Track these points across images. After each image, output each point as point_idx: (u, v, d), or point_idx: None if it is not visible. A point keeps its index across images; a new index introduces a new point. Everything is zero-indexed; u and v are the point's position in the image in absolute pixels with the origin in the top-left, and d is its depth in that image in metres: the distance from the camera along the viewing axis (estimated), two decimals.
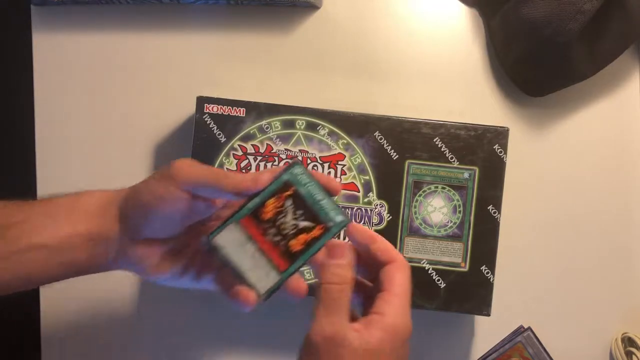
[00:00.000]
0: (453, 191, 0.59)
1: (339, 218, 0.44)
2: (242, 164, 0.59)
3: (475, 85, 0.65)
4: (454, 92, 0.65)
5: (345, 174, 0.59)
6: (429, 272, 0.59)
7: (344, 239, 0.56)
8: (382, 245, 0.44)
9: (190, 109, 0.61)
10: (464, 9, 0.65)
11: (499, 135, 0.59)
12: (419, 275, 0.59)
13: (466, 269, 0.59)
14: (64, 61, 0.65)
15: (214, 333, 0.65)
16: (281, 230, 0.44)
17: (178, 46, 0.65)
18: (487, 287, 0.59)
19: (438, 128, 0.59)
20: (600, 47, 0.60)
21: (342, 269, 0.42)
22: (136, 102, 0.65)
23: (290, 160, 0.59)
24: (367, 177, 0.59)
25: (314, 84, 0.65)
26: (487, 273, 0.59)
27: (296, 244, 0.44)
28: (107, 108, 0.65)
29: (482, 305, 0.59)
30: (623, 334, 0.63)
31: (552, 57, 0.60)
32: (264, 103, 0.59)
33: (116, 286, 0.65)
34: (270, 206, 0.44)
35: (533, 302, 0.64)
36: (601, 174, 0.64)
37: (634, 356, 0.61)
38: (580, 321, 0.64)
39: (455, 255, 0.59)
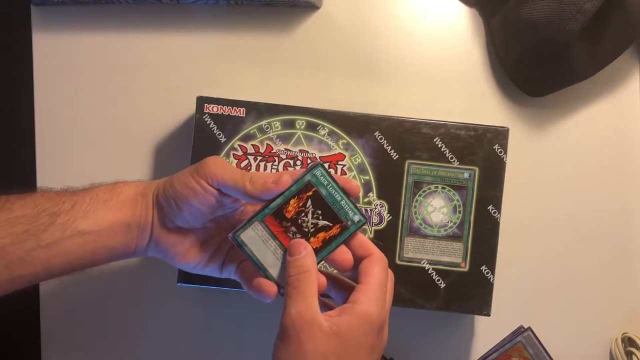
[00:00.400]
0: (453, 191, 0.59)
1: (356, 218, 0.47)
2: (242, 164, 0.59)
3: (475, 86, 0.65)
4: (454, 92, 0.65)
5: (346, 174, 0.59)
6: (429, 272, 0.59)
7: None
8: (359, 241, 0.48)
9: (190, 109, 0.61)
10: (464, 9, 0.65)
11: (499, 135, 0.59)
12: (419, 275, 0.59)
13: (466, 269, 0.59)
14: (64, 61, 0.65)
15: (214, 333, 0.65)
16: (302, 229, 0.47)
17: (178, 46, 0.65)
18: (487, 287, 0.59)
19: (438, 128, 0.59)
20: (600, 47, 0.60)
21: (298, 261, 0.45)
22: (136, 102, 0.65)
23: (310, 162, 0.59)
24: (367, 177, 0.59)
25: (314, 84, 0.65)
26: (487, 273, 0.59)
27: (315, 241, 0.47)
28: (107, 108, 0.65)
29: (482, 305, 0.59)
30: (623, 334, 0.63)
31: (552, 57, 0.60)
32: (264, 103, 0.59)
33: (116, 286, 0.65)
34: (292, 206, 0.47)
35: (533, 302, 0.64)
36: (601, 174, 0.64)
37: (634, 356, 0.61)
38: (580, 321, 0.64)
39: (455, 255, 0.59)
